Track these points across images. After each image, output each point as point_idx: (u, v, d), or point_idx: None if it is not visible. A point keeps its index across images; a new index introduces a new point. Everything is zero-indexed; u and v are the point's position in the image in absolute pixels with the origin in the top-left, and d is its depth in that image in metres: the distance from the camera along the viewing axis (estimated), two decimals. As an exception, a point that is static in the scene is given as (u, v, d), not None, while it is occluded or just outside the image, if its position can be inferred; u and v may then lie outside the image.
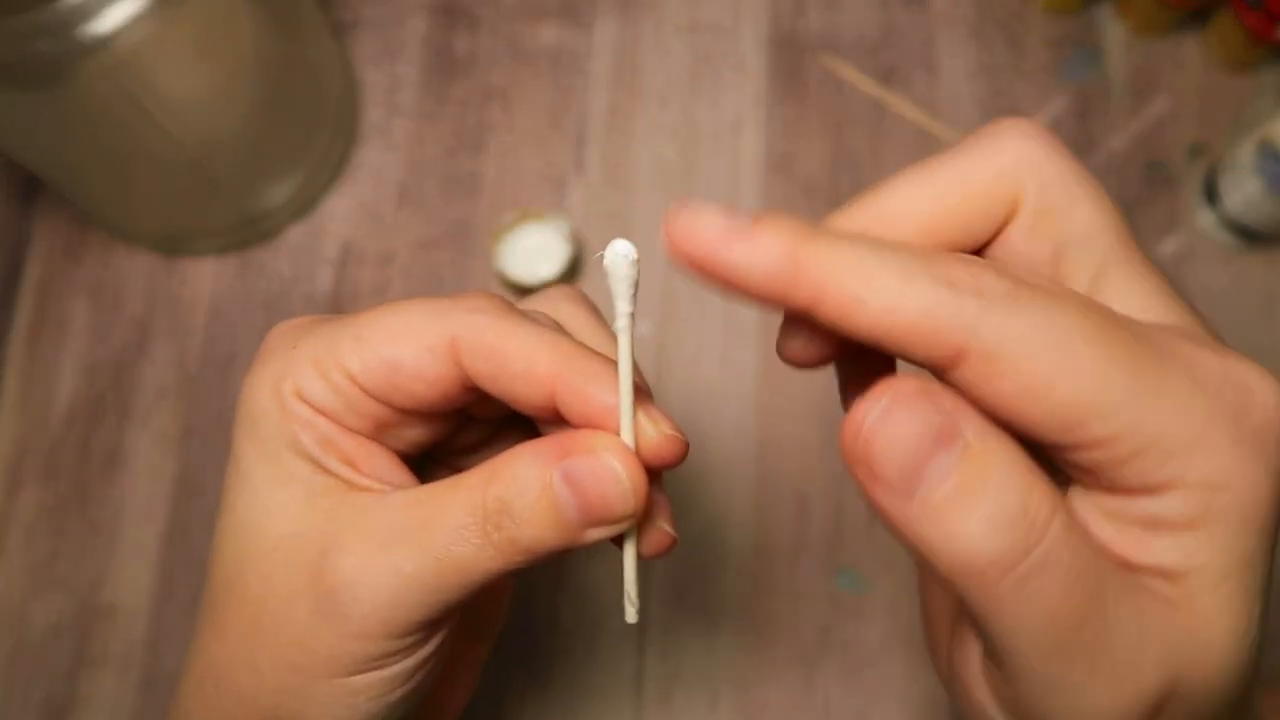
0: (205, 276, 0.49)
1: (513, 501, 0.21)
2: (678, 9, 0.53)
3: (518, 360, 0.22)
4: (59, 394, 0.47)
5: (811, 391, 0.46)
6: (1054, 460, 0.18)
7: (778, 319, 0.21)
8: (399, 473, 0.24)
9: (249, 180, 0.47)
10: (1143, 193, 0.50)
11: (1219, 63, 0.51)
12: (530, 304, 0.26)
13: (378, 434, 0.23)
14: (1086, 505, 0.18)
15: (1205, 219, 0.48)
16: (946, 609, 0.22)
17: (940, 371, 0.17)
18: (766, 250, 0.17)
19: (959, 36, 0.52)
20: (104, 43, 0.35)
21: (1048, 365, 0.16)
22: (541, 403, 0.22)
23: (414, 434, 0.24)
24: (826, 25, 0.53)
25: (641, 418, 0.22)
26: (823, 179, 0.50)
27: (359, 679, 0.22)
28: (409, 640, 0.22)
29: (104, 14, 0.34)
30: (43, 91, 0.36)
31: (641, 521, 0.23)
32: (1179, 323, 0.19)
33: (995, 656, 0.18)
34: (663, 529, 0.23)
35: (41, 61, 0.35)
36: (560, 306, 0.26)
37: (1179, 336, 0.18)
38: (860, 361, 0.22)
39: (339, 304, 0.48)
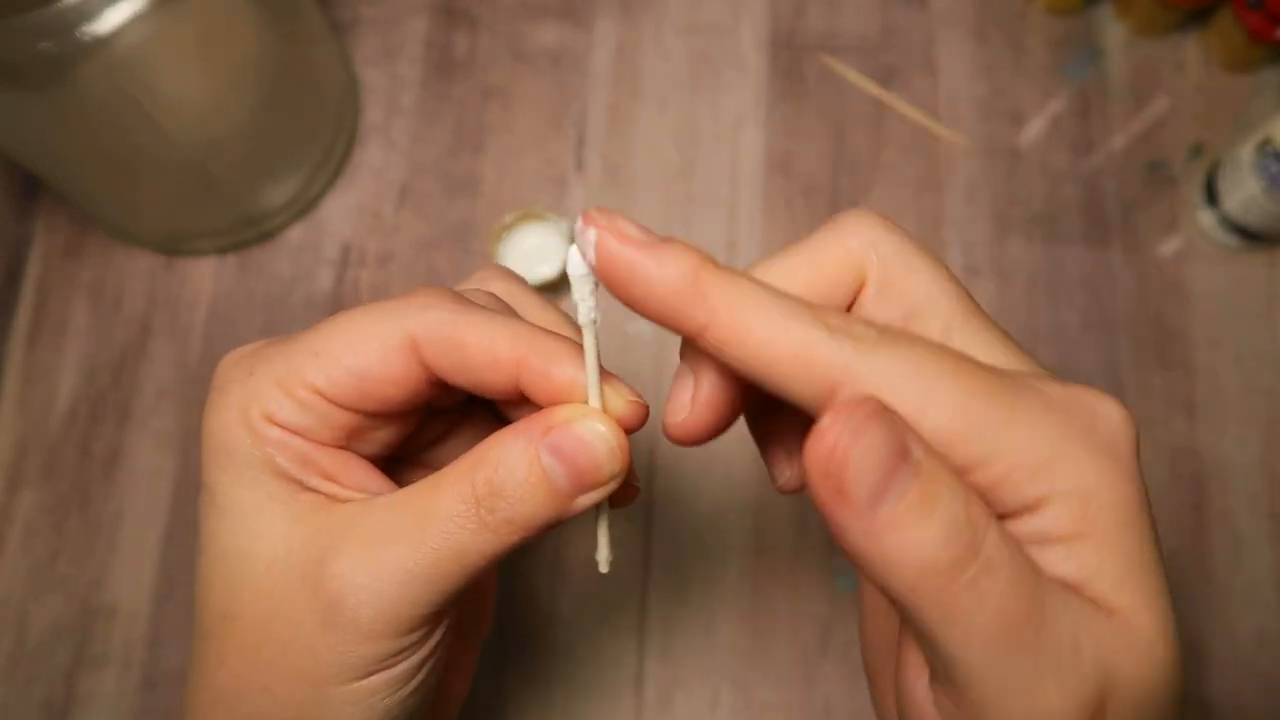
0: (205, 276, 0.49)
1: (503, 483, 0.21)
2: (678, 9, 0.53)
3: (479, 350, 0.22)
4: (59, 394, 0.47)
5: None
6: None
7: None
8: (376, 479, 0.24)
9: (249, 180, 0.47)
10: (1143, 193, 0.50)
11: (1219, 63, 0.51)
12: (463, 285, 0.27)
13: (349, 442, 0.24)
14: None
15: (1205, 219, 0.48)
16: (890, 643, 0.23)
17: (814, 408, 0.18)
18: (674, 266, 0.19)
19: (959, 36, 0.52)
20: (104, 43, 0.35)
21: (916, 397, 0.18)
22: (506, 387, 0.23)
23: (384, 435, 0.24)
24: (826, 25, 0.53)
25: (607, 389, 0.23)
26: (822, 179, 0.50)
27: (371, 680, 0.22)
28: (415, 636, 0.22)
29: (104, 14, 0.34)
30: (43, 91, 0.36)
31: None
32: (1022, 367, 0.20)
33: (945, 671, 0.18)
34: (629, 483, 0.24)
35: (41, 61, 0.35)
36: (493, 285, 0.27)
37: (1025, 374, 0.19)
38: (773, 419, 0.24)
39: (339, 304, 0.48)
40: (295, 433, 0.23)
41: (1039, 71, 0.52)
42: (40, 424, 0.46)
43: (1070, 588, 0.18)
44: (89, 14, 0.34)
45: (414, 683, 0.23)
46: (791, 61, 0.52)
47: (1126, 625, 0.18)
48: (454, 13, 0.53)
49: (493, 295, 0.26)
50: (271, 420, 0.23)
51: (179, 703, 0.42)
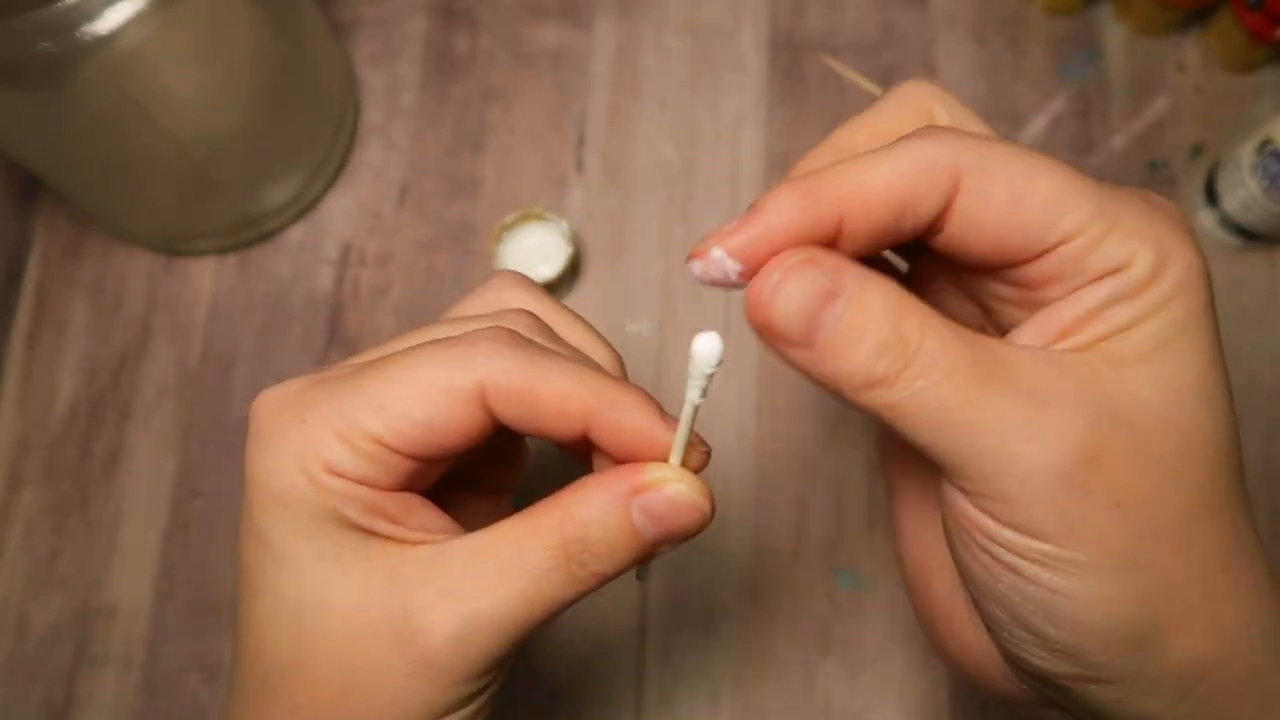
0: (205, 276, 0.49)
1: (596, 541, 0.22)
2: (678, 9, 0.53)
3: (550, 402, 0.23)
4: (59, 394, 0.47)
5: (811, 392, 0.46)
6: (998, 309, 0.23)
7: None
8: (438, 518, 0.24)
9: (249, 180, 0.47)
10: (1143, 193, 0.49)
11: (1219, 63, 0.51)
12: (479, 295, 0.27)
13: (409, 484, 0.24)
14: (1031, 331, 0.21)
15: (1205, 219, 0.48)
16: (930, 547, 0.26)
17: (939, 214, 0.21)
18: (783, 208, 0.20)
19: (959, 36, 0.52)
20: (104, 43, 0.35)
21: (1027, 169, 0.20)
22: (574, 437, 0.23)
23: (438, 471, 0.25)
24: (826, 25, 0.53)
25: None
26: (823, 179, 0.50)
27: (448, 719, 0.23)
28: (491, 676, 0.23)
29: (104, 14, 0.34)
30: (43, 91, 0.36)
31: None
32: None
33: (949, 469, 0.20)
34: None
35: (42, 61, 0.35)
36: (517, 298, 0.27)
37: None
38: None
39: (339, 304, 0.48)
40: (360, 482, 0.23)
41: (1039, 72, 0.52)
42: (40, 424, 0.46)
43: (1104, 343, 0.20)
44: (89, 14, 0.34)
45: (482, 717, 0.24)
46: (791, 61, 0.52)
47: (1131, 391, 0.20)
48: (454, 13, 0.53)
49: (531, 316, 0.25)
50: (333, 471, 0.22)
51: (179, 703, 0.42)
